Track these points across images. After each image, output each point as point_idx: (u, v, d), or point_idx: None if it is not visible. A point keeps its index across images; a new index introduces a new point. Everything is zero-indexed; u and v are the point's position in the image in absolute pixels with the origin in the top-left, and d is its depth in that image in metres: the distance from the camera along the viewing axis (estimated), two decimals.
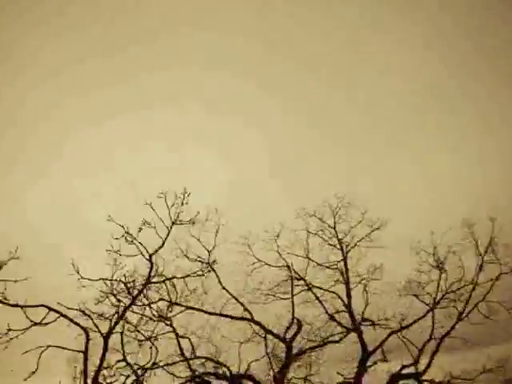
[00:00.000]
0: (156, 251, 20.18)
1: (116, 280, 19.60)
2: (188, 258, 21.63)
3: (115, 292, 19.56)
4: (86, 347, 18.15)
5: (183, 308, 21.19)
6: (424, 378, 22.35)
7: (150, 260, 20.11)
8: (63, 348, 18.23)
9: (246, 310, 22.53)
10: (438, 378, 22.08)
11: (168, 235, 20.35)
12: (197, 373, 20.91)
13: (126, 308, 19.17)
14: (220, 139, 35.72)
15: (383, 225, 24.13)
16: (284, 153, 35.93)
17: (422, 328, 22.83)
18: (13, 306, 18.17)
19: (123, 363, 19.36)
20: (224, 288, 22.34)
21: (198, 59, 35.95)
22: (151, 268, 19.91)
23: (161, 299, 21.00)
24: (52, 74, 34.58)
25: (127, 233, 19.92)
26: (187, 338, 21.14)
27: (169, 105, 35.56)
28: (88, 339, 18.13)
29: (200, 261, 21.44)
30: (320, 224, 24.35)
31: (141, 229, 19.89)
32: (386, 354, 23.07)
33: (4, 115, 33.14)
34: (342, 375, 23.04)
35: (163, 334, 20.50)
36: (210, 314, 21.80)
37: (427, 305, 23.17)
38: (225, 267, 22.93)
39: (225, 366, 21.69)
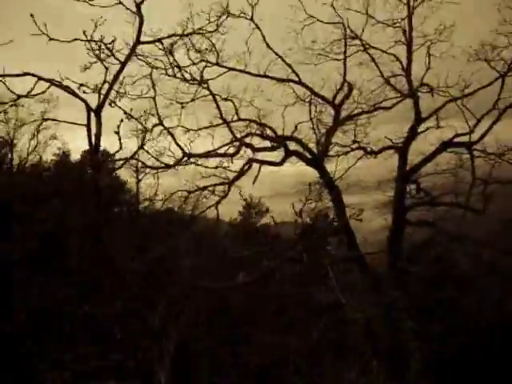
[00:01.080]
0: None
1: (95, 41, 17.26)
2: (229, 14, 19.37)
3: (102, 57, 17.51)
4: (88, 119, 17.36)
5: (224, 70, 20.07)
6: (476, 147, 21.43)
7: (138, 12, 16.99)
8: (61, 121, 17.78)
9: (293, 71, 21.13)
10: (491, 150, 21.11)
11: None
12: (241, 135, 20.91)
13: (118, 72, 17.42)
14: None
15: None
16: None
17: (485, 98, 20.88)
18: None
19: (160, 127, 19.28)
20: (269, 47, 20.59)
21: None
22: (141, 22, 17.07)
23: (202, 61, 19.75)
24: None
25: None
26: (230, 100, 20.49)
27: None
28: (89, 111, 17.23)
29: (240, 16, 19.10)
30: None
31: None
32: (440, 121, 21.91)
33: None
34: (390, 140, 22.58)
35: (201, 97, 19.75)
36: (254, 75, 20.55)
37: (498, 72, 20.62)
38: (272, 24, 20.78)
39: (269, 127, 21.48)
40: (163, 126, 19.30)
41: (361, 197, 26.12)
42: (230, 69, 20.26)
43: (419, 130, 21.92)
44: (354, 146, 22.73)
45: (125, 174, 26.35)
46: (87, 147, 27.16)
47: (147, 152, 20.00)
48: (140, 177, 24.08)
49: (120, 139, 18.39)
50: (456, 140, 21.61)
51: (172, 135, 19.34)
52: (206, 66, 19.76)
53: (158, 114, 19.20)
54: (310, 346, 16.76)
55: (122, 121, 17.79)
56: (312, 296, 14.25)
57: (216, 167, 19.84)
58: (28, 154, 24.67)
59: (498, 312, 22.47)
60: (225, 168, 19.78)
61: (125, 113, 17.83)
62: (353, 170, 22.99)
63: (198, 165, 19.62)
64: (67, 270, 17.22)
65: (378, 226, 24.95)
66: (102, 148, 26.21)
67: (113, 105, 17.33)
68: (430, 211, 22.67)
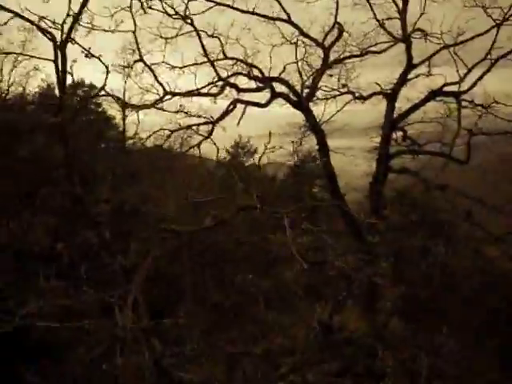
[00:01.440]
0: None
1: None
2: None
3: None
4: (55, 54, 16.50)
5: (210, 4, 19.19)
6: (465, 97, 21.13)
7: None
8: (27, 55, 17.03)
9: (283, 9, 20.30)
10: (479, 101, 20.85)
11: None
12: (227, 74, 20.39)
13: (82, 5, 16.20)
14: None
15: None
16: None
17: (478, 48, 20.31)
18: None
19: (141, 63, 18.64)
20: None
21: None
22: None
23: None
24: None
25: None
26: (216, 37, 19.78)
27: None
28: (56, 45, 16.24)
29: None
30: None
31: None
32: (431, 70, 21.43)
33: None
34: (379, 85, 22.17)
35: (185, 33, 18.94)
36: (241, 11, 19.74)
37: (494, 20, 19.93)
38: None
39: (256, 67, 20.94)
40: (144, 62, 18.70)
41: (348, 141, 26.07)
42: (217, 3, 19.34)
43: (409, 77, 21.54)
44: (342, 90, 22.39)
45: (111, 110, 25.89)
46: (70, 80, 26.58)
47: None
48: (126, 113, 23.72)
49: (73, 78, 17.78)
50: (445, 89, 21.29)
51: (153, 72, 18.79)
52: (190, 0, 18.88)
53: (138, 49, 18.47)
54: (283, 286, 17.31)
55: (74, 61, 16.99)
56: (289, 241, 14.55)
57: (176, 113, 19.34)
58: (9, 85, 23.91)
59: (471, 259, 23.19)
60: (186, 113, 19.35)
61: (83, 50, 16.99)
62: (340, 115, 22.80)
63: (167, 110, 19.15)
64: (43, 208, 17.37)
65: (363, 171, 25.12)
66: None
67: (73, 42, 16.44)
68: (415, 159, 22.74)
